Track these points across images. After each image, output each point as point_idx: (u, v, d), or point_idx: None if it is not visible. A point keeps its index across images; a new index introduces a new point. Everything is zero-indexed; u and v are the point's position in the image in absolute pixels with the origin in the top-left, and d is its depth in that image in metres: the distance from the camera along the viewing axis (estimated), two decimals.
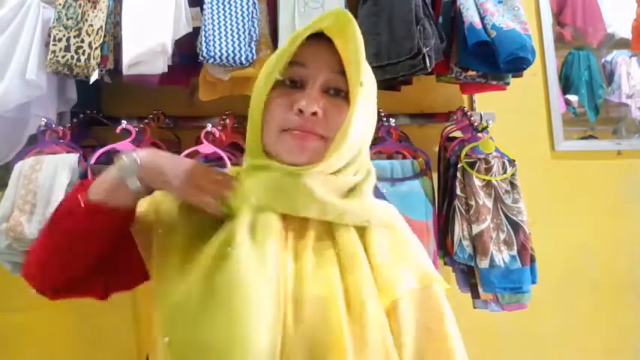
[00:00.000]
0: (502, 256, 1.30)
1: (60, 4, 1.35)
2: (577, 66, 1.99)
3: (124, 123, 1.36)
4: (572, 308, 1.76)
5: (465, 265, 1.37)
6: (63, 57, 1.31)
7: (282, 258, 0.64)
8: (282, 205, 0.66)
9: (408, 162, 1.37)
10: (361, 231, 0.69)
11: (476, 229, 1.33)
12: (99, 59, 1.30)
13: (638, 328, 1.79)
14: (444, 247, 1.42)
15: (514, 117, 1.74)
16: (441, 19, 1.41)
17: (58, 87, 1.45)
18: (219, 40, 1.33)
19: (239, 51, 1.32)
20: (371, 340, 0.60)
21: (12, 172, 1.31)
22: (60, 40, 1.32)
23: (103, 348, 1.61)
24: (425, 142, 1.60)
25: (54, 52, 1.31)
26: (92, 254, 0.67)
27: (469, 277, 1.41)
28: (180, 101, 1.65)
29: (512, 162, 1.39)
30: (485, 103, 1.71)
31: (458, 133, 1.58)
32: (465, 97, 1.74)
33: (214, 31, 1.33)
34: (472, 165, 1.38)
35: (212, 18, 1.34)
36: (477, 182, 1.36)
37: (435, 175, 1.47)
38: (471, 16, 1.32)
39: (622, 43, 2.04)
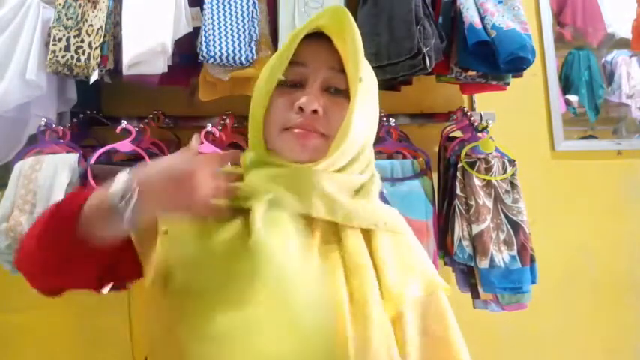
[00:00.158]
0: (502, 256, 1.30)
1: (60, 4, 1.35)
2: (577, 66, 1.99)
3: (124, 123, 1.36)
4: (572, 308, 1.76)
5: (465, 265, 1.37)
6: (63, 57, 1.31)
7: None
8: (292, 202, 0.65)
9: (408, 162, 1.37)
10: (367, 235, 0.68)
11: (476, 229, 1.33)
12: (99, 59, 1.30)
13: (638, 328, 1.79)
14: (444, 247, 1.42)
15: (514, 117, 1.74)
16: (441, 19, 1.41)
17: (58, 87, 1.45)
18: (219, 40, 1.33)
19: (239, 51, 1.32)
20: (375, 348, 0.59)
21: (12, 172, 1.31)
22: (60, 40, 1.32)
23: (103, 348, 1.61)
24: (425, 142, 1.60)
25: (54, 52, 1.31)
26: (86, 262, 0.64)
27: (469, 277, 1.41)
28: (180, 101, 1.65)
29: (512, 162, 1.39)
30: (485, 103, 1.71)
31: (458, 133, 1.58)
32: (465, 97, 1.74)
33: (214, 31, 1.33)
34: (472, 165, 1.38)
35: (212, 18, 1.34)
36: (477, 182, 1.36)
37: (435, 175, 1.47)
38: (471, 16, 1.32)
39: (622, 43, 2.04)
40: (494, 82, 1.46)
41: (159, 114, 1.55)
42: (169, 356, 0.61)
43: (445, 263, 1.46)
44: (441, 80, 1.52)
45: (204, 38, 1.32)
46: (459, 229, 1.35)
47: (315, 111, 0.65)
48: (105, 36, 1.31)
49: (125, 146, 1.35)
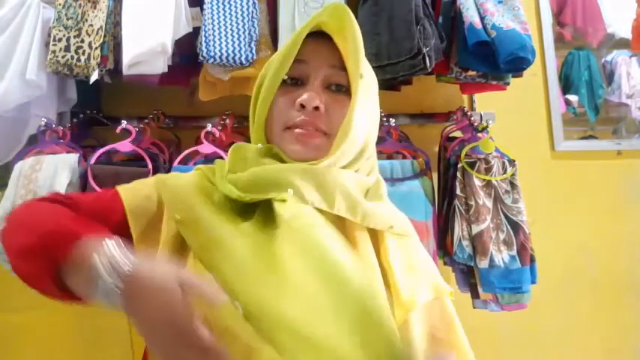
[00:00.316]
0: (502, 256, 1.30)
1: (60, 4, 1.35)
2: (577, 66, 1.99)
3: (124, 123, 1.36)
4: (572, 308, 1.76)
5: (465, 265, 1.37)
6: (63, 57, 1.31)
7: None
8: (315, 196, 0.63)
9: (408, 162, 1.36)
10: (374, 237, 0.68)
11: (476, 229, 1.33)
12: (99, 59, 1.30)
13: (638, 328, 1.79)
14: (444, 247, 1.42)
15: (514, 117, 1.74)
16: (441, 19, 1.41)
17: (58, 87, 1.45)
18: (219, 40, 1.33)
19: (239, 51, 1.32)
20: (383, 352, 0.59)
21: (12, 172, 1.31)
22: (60, 40, 1.32)
23: (103, 348, 1.61)
24: (425, 142, 1.60)
25: (54, 52, 1.31)
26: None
27: (469, 277, 1.41)
28: (180, 101, 1.65)
29: (512, 162, 1.39)
30: (485, 103, 1.71)
31: (458, 133, 1.58)
32: (465, 97, 1.74)
33: (214, 31, 1.33)
34: (472, 165, 1.37)
35: (212, 18, 1.34)
36: (477, 182, 1.36)
37: (435, 175, 1.47)
38: (471, 16, 1.32)
39: (622, 43, 2.04)
40: (494, 82, 1.46)
41: (159, 114, 1.55)
42: None
43: (445, 263, 1.46)
44: (441, 80, 1.52)
45: (204, 38, 1.32)
46: (459, 229, 1.35)
47: (316, 108, 0.65)
48: (105, 36, 1.31)
49: (125, 146, 1.35)
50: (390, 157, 1.44)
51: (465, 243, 1.34)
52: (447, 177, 1.45)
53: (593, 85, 2.00)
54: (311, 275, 0.54)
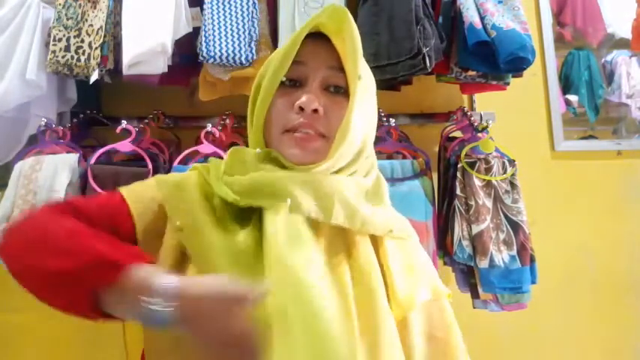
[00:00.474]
0: (502, 256, 1.30)
1: (60, 4, 1.35)
2: (577, 66, 1.99)
3: (124, 123, 1.36)
4: (572, 308, 1.76)
5: (465, 265, 1.37)
6: (63, 57, 1.31)
7: None
8: (312, 206, 0.62)
9: (408, 162, 1.36)
10: (374, 240, 0.68)
11: (476, 229, 1.33)
12: (99, 59, 1.31)
13: (638, 328, 1.79)
14: (444, 247, 1.42)
15: (514, 117, 1.74)
16: (441, 19, 1.41)
17: (58, 87, 1.45)
18: (219, 40, 1.33)
19: (239, 51, 1.32)
20: (384, 356, 0.60)
21: (12, 172, 1.31)
22: (60, 40, 1.32)
23: (103, 348, 1.61)
24: (425, 142, 1.60)
25: (54, 52, 1.31)
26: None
27: (469, 277, 1.41)
28: (180, 101, 1.65)
29: (512, 162, 1.39)
30: (485, 103, 1.71)
31: (458, 133, 1.58)
32: (465, 97, 1.74)
33: (214, 31, 1.33)
34: (472, 165, 1.37)
35: (212, 18, 1.34)
36: (477, 182, 1.36)
37: (435, 175, 1.47)
38: (471, 16, 1.32)
39: (622, 43, 2.04)
40: (494, 82, 1.46)
41: (159, 114, 1.55)
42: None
43: (445, 263, 1.46)
44: (441, 80, 1.52)
45: (204, 38, 1.32)
46: (459, 229, 1.35)
47: (315, 110, 0.65)
48: (105, 36, 1.31)
49: (125, 146, 1.35)
50: (390, 157, 1.44)
51: (465, 243, 1.34)
52: (447, 177, 1.45)
53: (593, 85, 2.00)
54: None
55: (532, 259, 1.32)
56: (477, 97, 1.74)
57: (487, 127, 1.44)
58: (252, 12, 1.37)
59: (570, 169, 1.82)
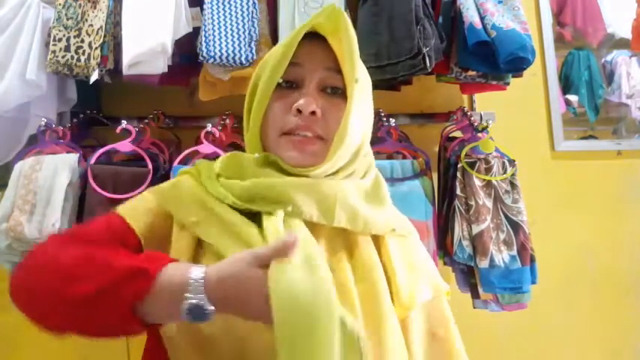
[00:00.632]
0: (502, 256, 1.30)
1: (60, 4, 1.35)
2: (577, 66, 1.99)
3: (124, 123, 1.36)
4: (572, 308, 1.76)
5: (465, 265, 1.37)
6: (63, 57, 1.31)
7: None
8: (313, 211, 0.63)
9: (408, 162, 1.36)
10: (376, 240, 0.69)
11: (476, 229, 1.33)
12: (99, 59, 1.31)
13: (638, 328, 1.79)
14: (444, 247, 1.42)
15: (514, 117, 1.74)
16: (441, 19, 1.41)
17: (58, 87, 1.45)
18: (219, 40, 1.33)
19: (239, 51, 1.32)
20: (389, 353, 0.60)
21: (12, 172, 1.31)
22: (60, 40, 1.32)
23: (104, 348, 1.61)
24: (425, 142, 1.60)
25: (54, 52, 1.31)
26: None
27: (469, 277, 1.41)
28: (180, 101, 1.65)
29: (512, 162, 1.39)
30: (485, 103, 1.71)
31: (458, 133, 1.58)
32: (465, 97, 1.74)
33: (214, 31, 1.33)
34: (472, 165, 1.37)
35: (212, 18, 1.34)
36: (477, 182, 1.36)
37: (435, 175, 1.47)
38: (471, 16, 1.32)
39: (622, 43, 2.04)
40: (494, 82, 1.46)
41: (159, 114, 1.55)
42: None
43: (445, 263, 1.46)
44: (441, 80, 1.52)
45: (204, 38, 1.32)
46: (459, 229, 1.35)
47: (313, 113, 0.65)
48: (105, 36, 1.31)
49: (125, 146, 1.35)
50: (390, 157, 1.44)
51: (465, 243, 1.34)
52: (447, 177, 1.45)
53: (593, 85, 2.00)
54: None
55: (532, 259, 1.32)
56: (477, 97, 1.74)
57: (487, 127, 1.44)
58: (252, 12, 1.37)
59: (570, 169, 1.82)
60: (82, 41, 1.32)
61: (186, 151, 1.36)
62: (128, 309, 0.51)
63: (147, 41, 1.28)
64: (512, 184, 1.37)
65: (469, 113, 1.53)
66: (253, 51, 1.34)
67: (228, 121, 1.48)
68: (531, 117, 1.83)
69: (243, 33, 1.34)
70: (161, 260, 0.54)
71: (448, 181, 1.44)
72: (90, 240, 0.61)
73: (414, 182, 1.34)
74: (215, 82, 1.42)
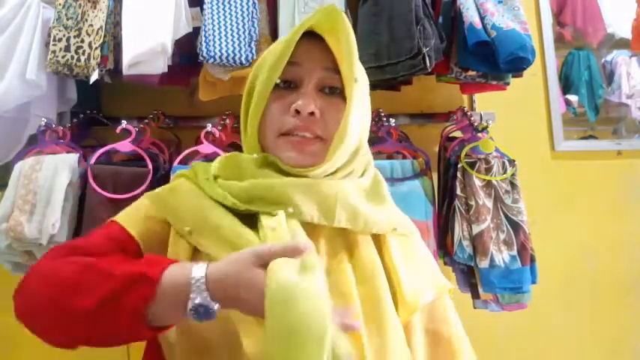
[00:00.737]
0: (502, 256, 1.30)
1: (60, 4, 1.35)
2: (577, 66, 1.99)
3: (124, 123, 1.36)
4: (572, 308, 1.76)
5: (465, 265, 1.37)
6: (63, 57, 1.31)
7: None
8: (313, 212, 0.62)
9: (408, 162, 1.36)
10: (377, 239, 0.68)
11: (476, 229, 1.33)
12: (99, 59, 1.30)
13: (638, 328, 1.79)
14: (444, 247, 1.42)
15: (514, 117, 1.74)
16: (441, 19, 1.41)
17: (58, 87, 1.45)
18: (219, 40, 1.33)
19: (239, 51, 1.32)
20: (391, 354, 0.60)
21: (12, 172, 1.31)
22: (60, 40, 1.32)
23: (103, 348, 1.61)
24: (425, 142, 1.60)
25: (54, 52, 1.31)
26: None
27: (469, 277, 1.41)
28: (180, 101, 1.65)
29: (512, 162, 1.39)
30: (485, 103, 1.71)
31: (458, 133, 1.58)
32: (465, 97, 1.74)
33: (214, 31, 1.33)
34: (472, 165, 1.37)
35: (212, 18, 1.34)
36: (477, 182, 1.36)
37: (435, 175, 1.47)
38: (471, 16, 1.32)
39: (622, 43, 2.04)
40: (494, 82, 1.46)
41: (159, 114, 1.55)
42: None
43: (445, 263, 1.46)
44: (441, 80, 1.52)
45: (204, 38, 1.32)
46: (459, 229, 1.35)
47: (312, 113, 0.64)
48: (105, 36, 1.31)
49: (125, 146, 1.35)
50: (390, 157, 1.44)
51: (466, 243, 1.34)
52: (447, 177, 1.45)
53: (593, 85, 2.00)
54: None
55: (532, 259, 1.32)
56: (477, 97, 1.74)
57: (487, 127, 1.44)
58: (252, 12, 1.37)
59: (570, 169, 1.82)
60: (82, 41, 1.32)
61: (186, 151, 1.36)
62: (134, 316, 0.51)
63: (147, 41, 1.28)
64: (512, 184, 1.37)
65: (469, 113, 1.53)
66: (253, 51, 1.34)
67: (228, 121, 1.48)
68: (531, 117, 1.83)
69: (243, 33, 1.34)
70: (162, 263, 0.54)
71: (448, 181, 1.44)
72: (90, 252, 0.60)
73: (414, 182, 1.34)
74: (215, 82, 1.42)
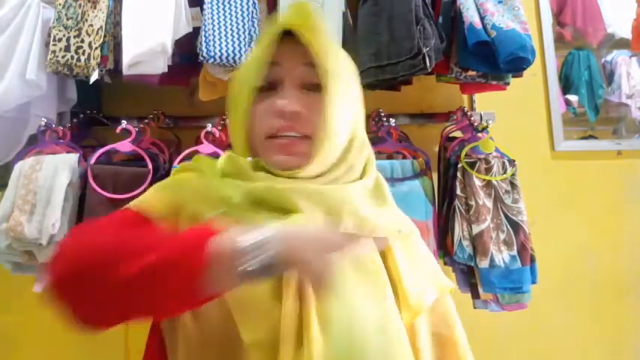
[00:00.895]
0: (502, 256, 1.30)
1: (60, 4, 1.36)
2: (577, 66, 1.99)
3: (124, 123, 1.36)
4: (572, 308, 1.76)
5: (465, 265, 1.37)
6: (63, 57, 1.31)
7: None
8: (319, 219, 0.61)
9: (408, 162, 1.36)
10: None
11: (476, 229, 1.33)
12: (99, 59, 1.31)
13: (638, 328, 1.79)
14: (444, 247, 1.42)
15: (514, 117, 1.74)
16: (441, 19, 1.41)
17: (58, 87, 1.45)
18: (219, 40, 1.33)
19: (239, 51, 1.32)
20: (396, 357, 0.60)
21: (12, 172, 1.31)
22: (60, 40, 1.32)
23: (103, 348, 1.61)
24: (425, 142, 1.60)
25: (54, 52, 1.31)
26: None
27: (469, 277, 1.41)
28: (180, 101, 1.65)
29: (512, 162, 1.39)
30: (485, 103, 1.71)
31: (458, 133, 1.58)
32: (465, 97, 1.74)
33: (214, 31, 1.33)
34: (472, 165, 1.37)
35: (212, 18, 1.34)
36: (477, 182, 1.36)
37: (435, 175, 1.47)
38: (471, 16, 1.32)
39: (622, 43, 2.03)
40: (494, 82, 1.46)
41: (159, 114, 1.55)
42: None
43: (445, 263, 1.46)
44: (441, 80, 1.52)
45: (204, 38, 1.32)
46: (459, 229, 1.35)
47: (294, 112, 0.63)
48: (105, 36, 1.31)
49: (125, 146, 1.35)
50: (390, 157, 1.44)
51: (466, 243, 1.34)
52: (447, 177, 1.45)
53: (593, 85, 2.00)
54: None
55: (532, 259, 1.32)
56: (477, 97, 1.74)
57: (487, 127, 1.44)
58: (252, 12, 1.37)
59: (570, 169, 1.82)
60: (82, 41, 1.32)
61: (186, 151, 1.37)
62: (196, 279, 0.48)
63: (147, 41, 1.28)
64: (512, 184, 1.37)
65: (469, 113, 1.53)
66: None
67: (228, 121, 1.48)
68: (531, 117, 1.83)
69: (243, 33, 1.34)
70: (207, 231, 0.51)
71: (448, 181, 1.44)
72: (112, 227, 0.58)
73: (414, 182, 1.34)
74: (215, 82, 1.42)
